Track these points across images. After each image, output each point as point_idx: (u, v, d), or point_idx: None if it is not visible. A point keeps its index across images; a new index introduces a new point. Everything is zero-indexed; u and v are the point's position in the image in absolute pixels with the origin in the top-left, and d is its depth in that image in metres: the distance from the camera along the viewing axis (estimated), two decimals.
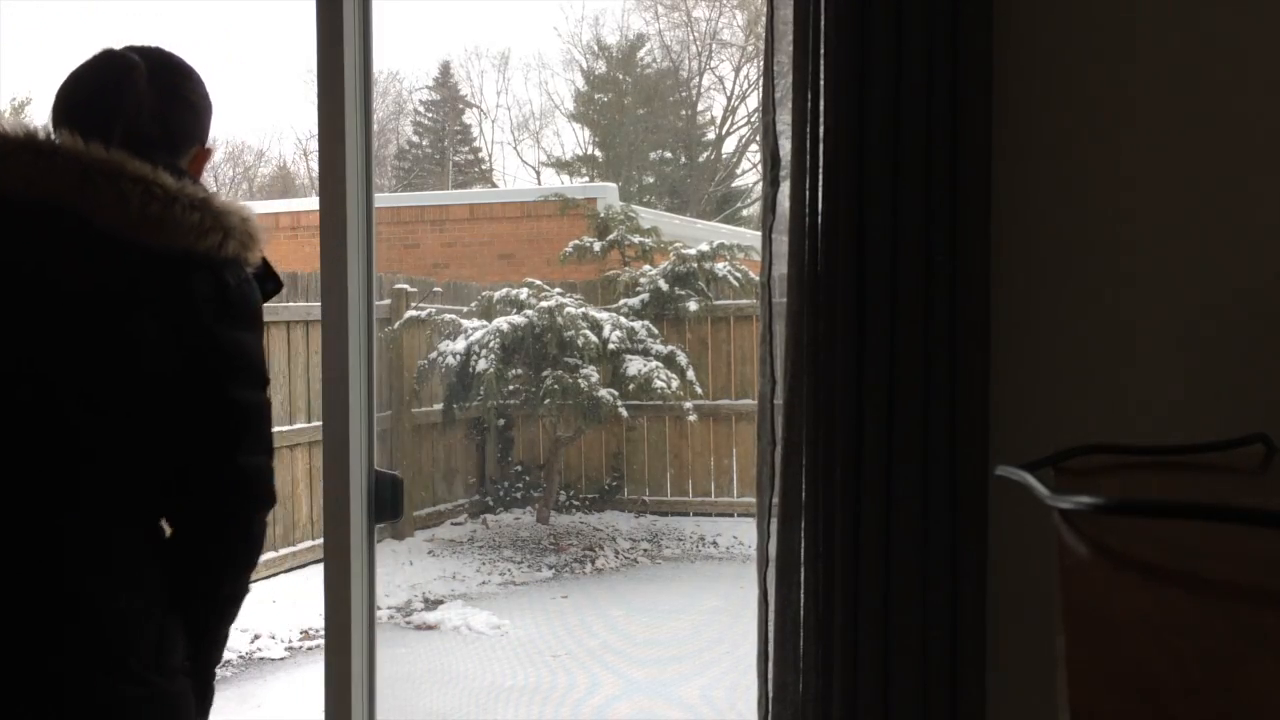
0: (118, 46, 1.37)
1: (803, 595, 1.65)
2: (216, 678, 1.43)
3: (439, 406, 6.90)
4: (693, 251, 7.10)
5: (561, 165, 15.80)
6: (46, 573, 1.24)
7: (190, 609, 1.33)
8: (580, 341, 6.49)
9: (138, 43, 1.40)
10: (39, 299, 1.24)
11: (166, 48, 1.43)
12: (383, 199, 10.79)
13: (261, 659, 4.79)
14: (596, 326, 6.65)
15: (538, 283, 6.96)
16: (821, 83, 1.61)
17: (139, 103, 1.32)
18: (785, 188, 1.66)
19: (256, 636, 4.97)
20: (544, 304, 6.64)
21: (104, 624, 1.24)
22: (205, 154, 1.43)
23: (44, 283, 1.25)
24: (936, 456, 1.59)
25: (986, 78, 1.58)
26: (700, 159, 15.46)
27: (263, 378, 1.32)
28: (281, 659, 4.81)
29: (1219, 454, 0.95)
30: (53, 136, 1.26)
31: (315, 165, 2.01)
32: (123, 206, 1.21)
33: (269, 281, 1.41)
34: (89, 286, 1.23)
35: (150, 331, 1.23)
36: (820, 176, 1.61)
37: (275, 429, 1.47)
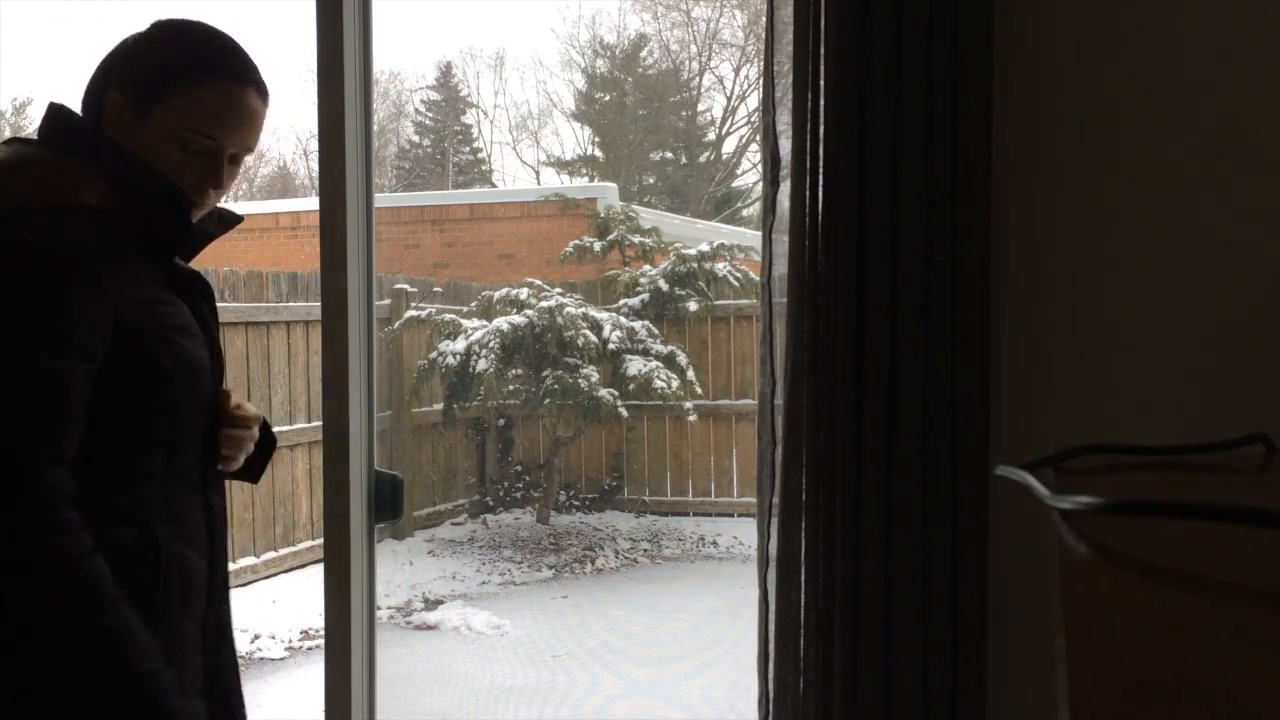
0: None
1: (803, 595, 1.65)
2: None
3: (439, 406, 6.89)
4: (693, 251, 7.10)
5: (561, 165, 15.82)
6: None
7: None
8: (580, 341, 6.49)
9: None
10: None
11: (207, 22, 1.35)
12: (383, 199, 10.79)
13: (261, 659, 4.79)
14: (596, 326, 6.65)
15: (538, 283, 6.96)
16: (821, 83, 1.61)
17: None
18: (785, 188, 1.65)
19: (257, 636, 4.98)
20: (544, 304, 6.63)
21: None
22: (113, 101, 1.28)
23: None
24: (936, 456, 1.59)
25: (986, 78, 1.58)
26: (700, 159, 15.47)
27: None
28: (281, 659, 4.81)
29: (1219, 454, 0.95)
30: None
31: (315, 165, 2.01)
32: None
33: (165, 215, 1.25)
34: None
35: None
36: (820, 176, 1.61)
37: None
